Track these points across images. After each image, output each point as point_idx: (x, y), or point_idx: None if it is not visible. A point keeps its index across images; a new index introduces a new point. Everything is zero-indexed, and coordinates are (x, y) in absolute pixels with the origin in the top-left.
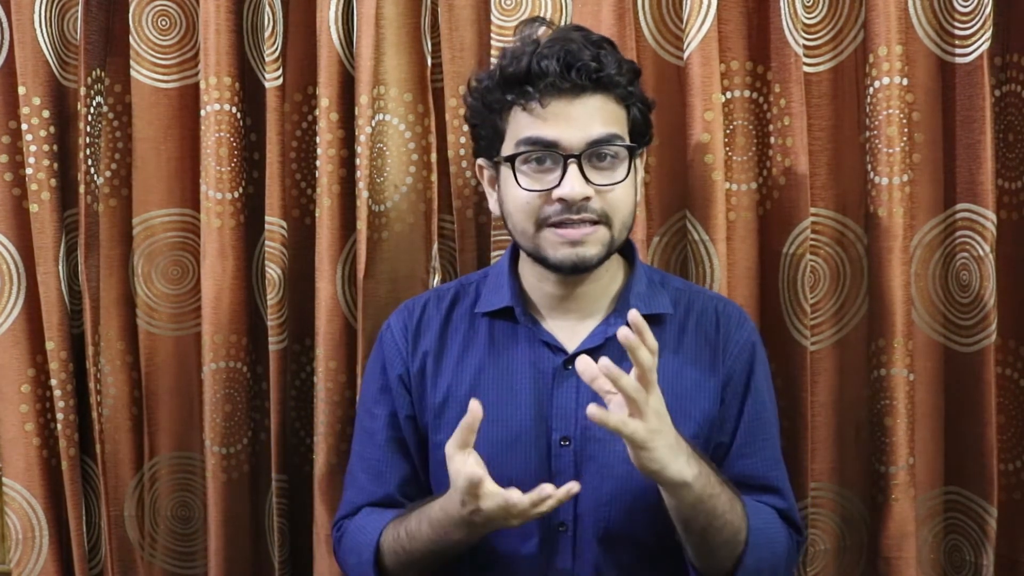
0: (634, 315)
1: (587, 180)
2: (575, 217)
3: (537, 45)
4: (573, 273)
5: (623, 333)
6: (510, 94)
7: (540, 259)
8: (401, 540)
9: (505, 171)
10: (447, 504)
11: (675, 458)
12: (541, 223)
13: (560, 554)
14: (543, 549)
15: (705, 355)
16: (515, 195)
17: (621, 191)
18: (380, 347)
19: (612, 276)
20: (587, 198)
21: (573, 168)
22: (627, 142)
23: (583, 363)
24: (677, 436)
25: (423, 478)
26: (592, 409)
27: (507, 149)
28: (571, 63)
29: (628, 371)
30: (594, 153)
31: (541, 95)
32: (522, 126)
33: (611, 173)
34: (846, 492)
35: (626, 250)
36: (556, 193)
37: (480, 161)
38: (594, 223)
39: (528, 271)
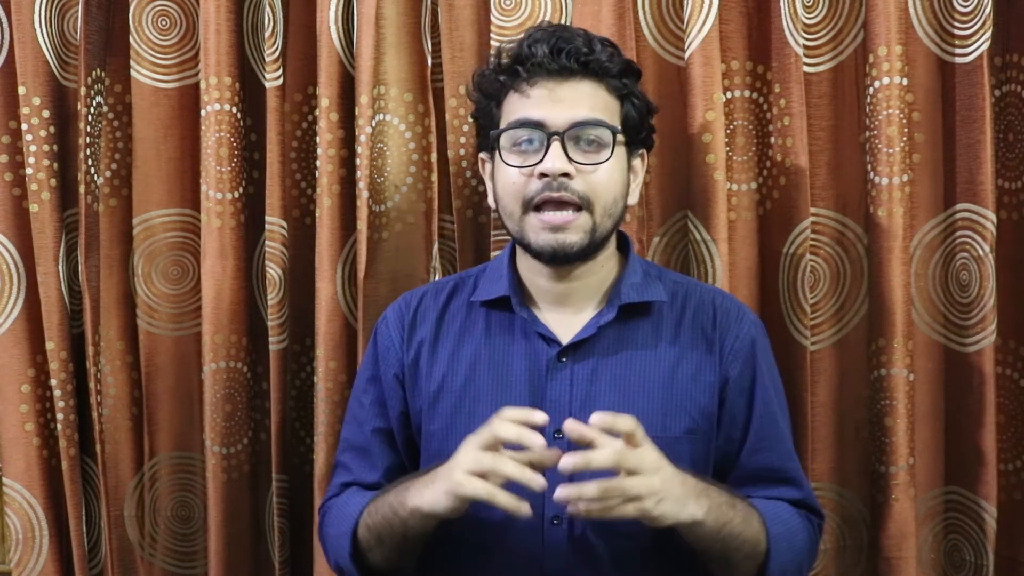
0: (594, 419)
1: (569, 159)
2: (555, 195)
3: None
4: (553, 261)
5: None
6: (503, 76)
7: (525, 245)
8: (370, 510)
9: (497, 154)
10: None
11: (683, 507)
12: (527, 205)
13: (555, 548)
14: (538, 543)
15: (701, 349)
16: (503, 175)
17: (604, 174)
18: (375, 339)
19: (607, 271)
20: (567, 174)
21: (556, 145)
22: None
23: (569, 426)
24: (682, 480)
25: (409, 469)
26: (570, 508)
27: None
28: (561, 47)
29: (620, 359)
30: (578, 134)
31: (530, 75)
32: (513, 108)
33: (595, 155)
34: (846, 492)
35: (622, 245)
36: (538, 168)
37: (481, 155)
38: (576, 209)
39: (524, 265)
